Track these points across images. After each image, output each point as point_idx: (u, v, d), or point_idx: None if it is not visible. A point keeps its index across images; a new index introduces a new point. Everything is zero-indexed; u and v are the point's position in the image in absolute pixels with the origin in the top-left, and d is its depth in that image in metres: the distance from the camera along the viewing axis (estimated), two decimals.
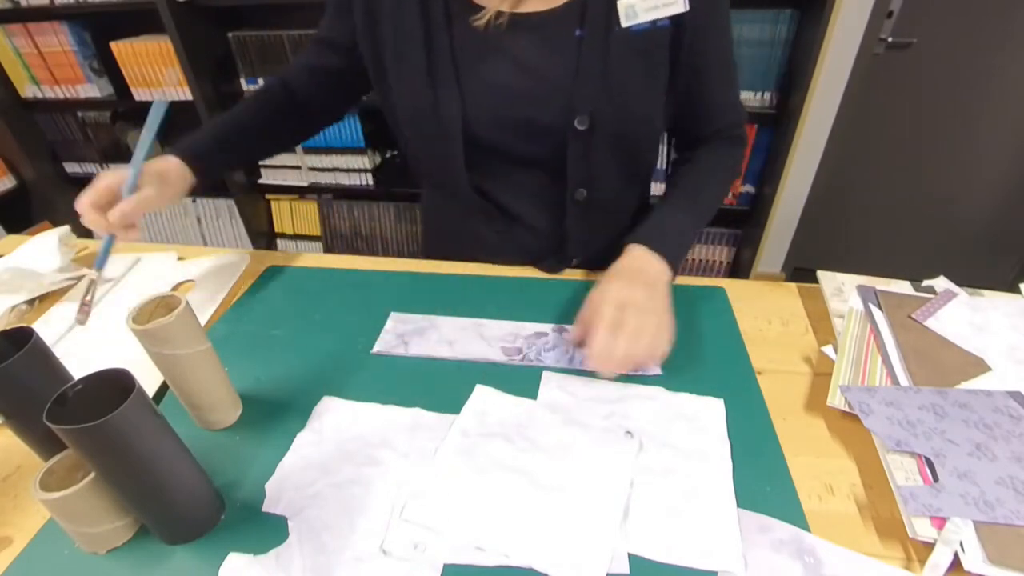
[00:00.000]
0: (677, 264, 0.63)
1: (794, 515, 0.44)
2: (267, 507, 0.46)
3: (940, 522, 0.41)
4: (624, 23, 0.59)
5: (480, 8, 0.61)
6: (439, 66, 0.62)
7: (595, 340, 0.53)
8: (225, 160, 0.73)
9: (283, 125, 0.77)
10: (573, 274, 0.74)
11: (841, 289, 0.67)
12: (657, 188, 1.60)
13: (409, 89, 0.64)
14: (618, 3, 0.58)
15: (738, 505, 0.44)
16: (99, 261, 0.64)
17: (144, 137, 0.63)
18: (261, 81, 1.84)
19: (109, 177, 0.60)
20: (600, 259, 0.68)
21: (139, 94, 1.89)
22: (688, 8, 0.58)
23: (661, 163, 1.70)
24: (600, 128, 0.62)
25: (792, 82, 1.54)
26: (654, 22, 0.59)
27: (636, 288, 0.57)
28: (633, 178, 0.74)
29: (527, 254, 0.75)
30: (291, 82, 0.75)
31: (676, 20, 0.59)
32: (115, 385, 0.37)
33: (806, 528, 0.43)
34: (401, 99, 0.66)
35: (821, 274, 0.70)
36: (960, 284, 0.66)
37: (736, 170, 0.74)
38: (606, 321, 0.53)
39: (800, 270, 2.13)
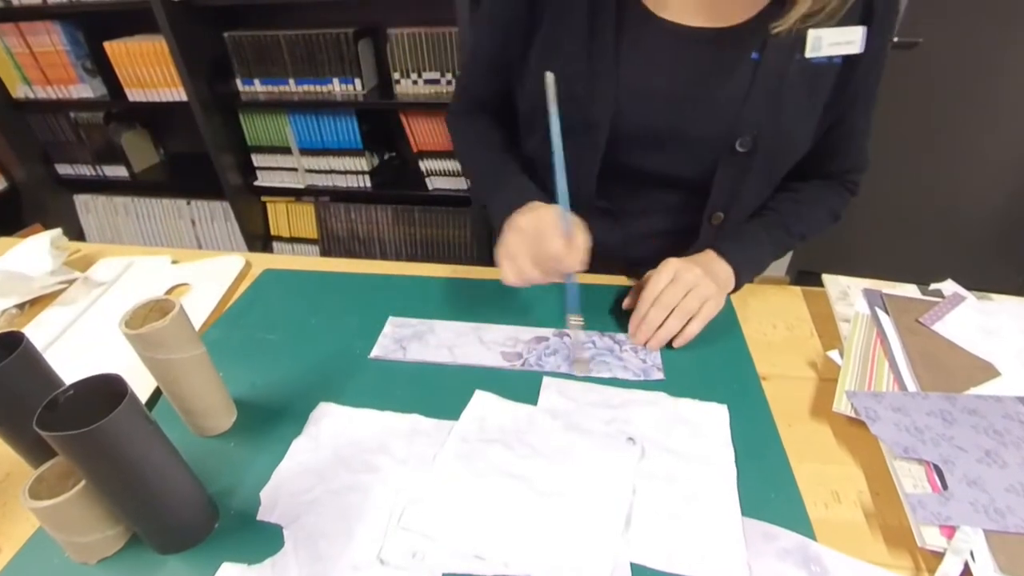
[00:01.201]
0: (742, 282, 0.66)
1: (799, 523, 0.44)
2: (262, 515, 0.45)
3: (950, 531, 0.41)
4: (809, 53, 0.59)
5: (655, 17, 0.60)
6: (600, 63, 0.61)
7: (639, 315, 0.60)
8: None
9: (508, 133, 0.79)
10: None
11: (847, 293, 0.67)
12: None
13: (565, 81, 0.59)
14: (808, 32, 0.58)
15: (742, 513, 0.44)
16: (573, 304, 0.61)
17: (555, 144, 0.56)
18: (257, 83, 1.84)
19: (545, 227, 0.58)
20: None
21: (133, 95, 1.89)
22: (862, 51, 0.59)
23: None
24: (760, 152, 0.62)
25: None
26: (830, 57, 0.60)
27: (695, 268, 0.61)
28: (762, 203, 0.72)
29: (632, 262, 0.73)
30: (491, 108, 0.76)
31: (847, 60, 0.60)
32: (107, 390, 0.37)
33: (812, 536, 0.43)
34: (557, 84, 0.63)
35: (826, 277, 0.70)
36: (968, 287, 0.66)
37: (839, 215, 0.74)
38: (656, 295, 0.60)
39: (805, 273, 2.13)
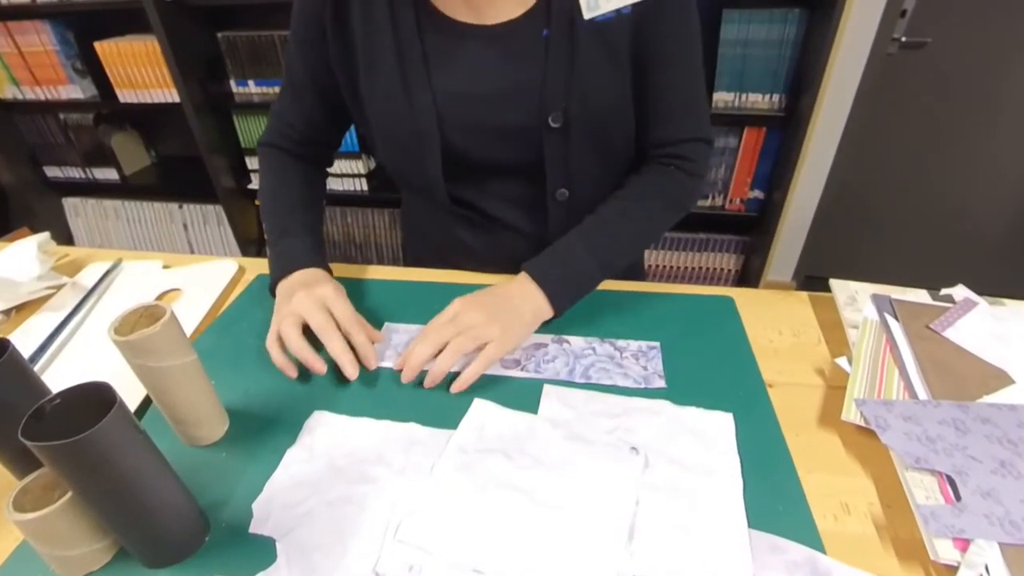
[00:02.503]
0: (563, 309, 0.64)
1: (808, 536, 0.43)
2: (254, 528, 0.45)
3: (963, 544, 0.41)
4: (587, 15, 0.60)
5: (449, 19, 0.64)
6: (412, 74, 0.64)
7: (408, 349, 0.59)
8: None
9: (319, 176, 0.84)
10: None
11: (855, 298, 0.67)
12: None
13: (383, 97, 0.66)
14: None
15: (749, 525, 0.44)
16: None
17: None
18: (252, 83, 1.85)
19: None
20: None
21: (124, 95, 1.90)
22: None
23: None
24: (574, 124, 0.65)
25: (801, 84, 1.55)
26: (618, 11, 0.60)
27: (479, 310, 0.60)
28: (612, 174, 0.73)
29: (513, 260, 0.75)
30: (297, 138, 0.78)
31: (639, 9, 0.60)
32: (95, 399, 0.37)
33: (821, 549, 0.42)
34: (375, 108, 0.68)
35: (834, 282, 0.70)
36: (980, 292, 0.66)
37: (683, 203, 0.72)
38: (428, 329, 0.60)
39: (811, 278, 2.13)
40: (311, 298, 0.61)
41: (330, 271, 0.70)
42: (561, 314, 0.64)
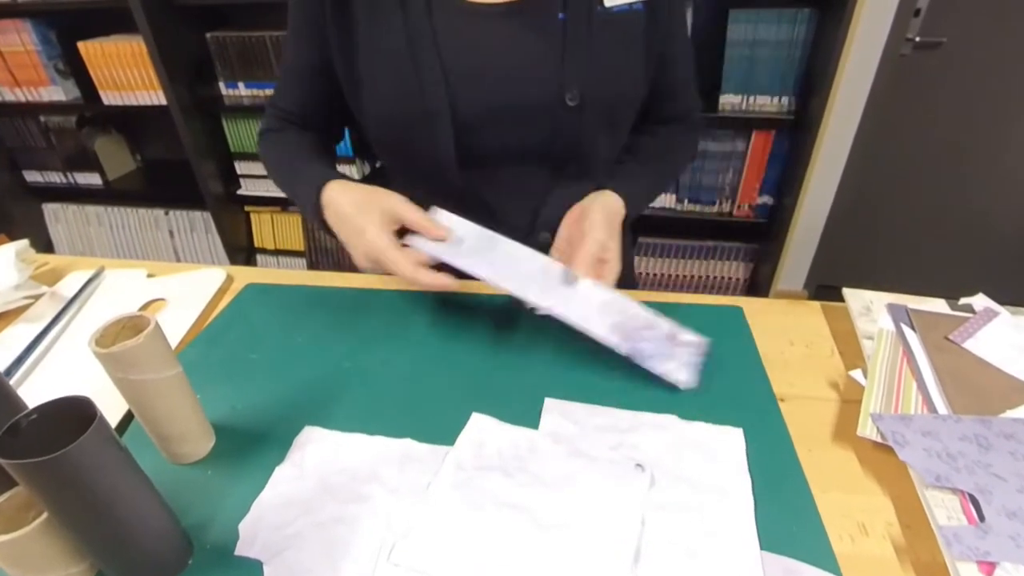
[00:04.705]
0: (632, 213, 0.73)
1: (824, 558, 0.43)
2: (240, 550, 0.45)
3: (988, 567, 0.41)
4: (607, 2, 0.67)
5: (466, 4, 0.66)
6: (421, 52, 0.66)
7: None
8: None
9: (330, 144, 0.86)
10: None
11: (870, 308, 0.67)
12: None
13: (390, 78, 0.67)
14: None
15: (761, 547, 0.44)
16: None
17: None
18: (242, 86, 1.86)
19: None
20: None
21: (108, 97, 1.90)
22: None
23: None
24: (589, 105, 0.68)
25: (812, 85, 1.56)
26: (631, 4, 0.68)
27: (614, 236, 0.67)
28: (612, 158, 0.81)
29: None
30: (299, 124, 0.79)
31: (649, 4, 0.68)
32: (74, 414, 0.37)
33: (837, 573, 0.42)
34: (383, 92, 0.69)
35: (847, 291, 0.70)
36: (1001, 302, 0.66)
37: (693, 155, 0.90)
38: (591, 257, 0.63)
39: (824, 287, 2.13)
40: (378, 232, 0.61)
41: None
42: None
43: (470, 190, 0.73)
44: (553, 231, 0.75)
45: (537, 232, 0.77)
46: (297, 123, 0.79)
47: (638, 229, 1.97)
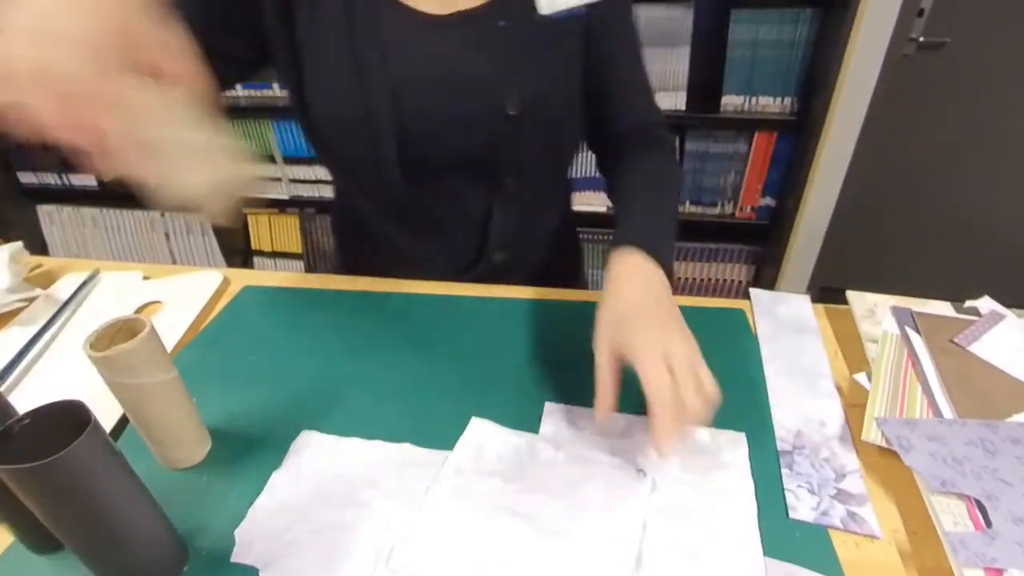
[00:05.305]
0: (671, 272, 0.59)
1: (828, 564, 0.43)
2: (236, 556, 0.45)
3: (995, 573, 0.40)
4: (542, 11, 0.65)
5: (407, 8, 0.66)
6: (364, 53, 0.65)
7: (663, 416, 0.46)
8: None
9: None
10: (566, 294, 0.74)
11: (873, 311, 0.67)
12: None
13: (334, 86, 0.67)
14: None
15: (764, 553, 0.43)
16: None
17: None
18: (239, 87, 1.86)
19: None
20: (523, 259, 0.80)
21: None
22: None
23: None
24: (529, 114, 0.68)
25: (814, 86, 1.56)
26: (570, 9, 0.66)
27: (670, 328, 0.51)
28: (557, 168, 0.82)
29: (448, 263, 0.80)
30: None
31: (591, 10, 0.66)
32: (68, 419, 0.36)
33: None
34: (324, 97, 0.68)
35: (851, 294, 0.70)
36: (1007, 304, 0.66)
37: (681, 180, 0.81)
38: (666, 390, 0.46)
39: (827, 290, 2.13)
40: None
41: None
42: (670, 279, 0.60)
43: (414, 199, 0.73)
44: (507, 250, 0.76)
45: (491, 253, 0.78)
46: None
47: None
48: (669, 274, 0.59)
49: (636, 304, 0.54)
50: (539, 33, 0.66)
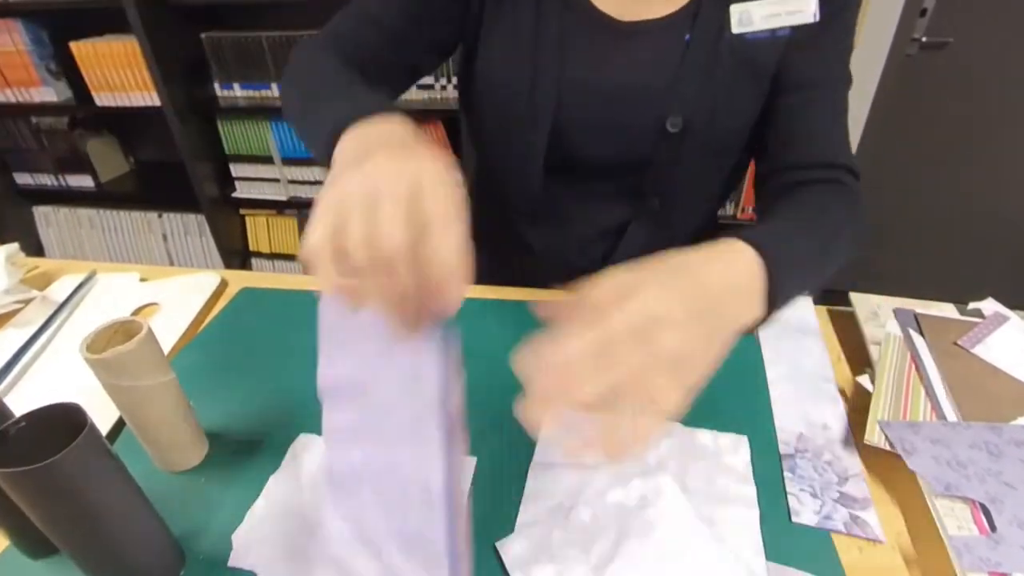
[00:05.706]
0: (780, 302, 0.41)
1: (831, 569, 0.43)
2: (234, 561, 0.45)
3: None
4: (735, 29, 0.61)
5: (593, 9, 0.64)
6: (542, 50, 0.65)
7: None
8: None
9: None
10: None
11: (876, 313, 0.67)
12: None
13: (509, 69, 0.66)
14: (731, 7, 0.60)
15: (767, 557, 0.43)
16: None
17: None
18: (237, 87, 1.86)
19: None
20: None
21: (101, 99, 1.90)
22: (817, 19, 0.59)
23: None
24: (691, 134, 0.65)
25: None
26: (774, 31, 0.61)
27: (678, 301, 0.35)
28: (709, 194, 0.76)
29: (560, 264, 0.78)
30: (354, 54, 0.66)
31: (797, 31, 0.60)
32: (64, 422, 0.36)
33: None
34: (496, 78, 0.68)
35: (854, 296, 0.70)
36: (1011, 306, 0.66)
37: (860, 234, 0.60)
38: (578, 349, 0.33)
39: (830, 292, 2.12)
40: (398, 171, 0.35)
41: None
42: (771, 314, 0.42)
43: (548, 194, 0.73)
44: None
45: (610, 265, 0.73)
46: (350, 57, 0.65)
47: None
48: (773, 300, 0.41)
49: (681, 264, 0.39)
50: (725, 51, 0.62)
